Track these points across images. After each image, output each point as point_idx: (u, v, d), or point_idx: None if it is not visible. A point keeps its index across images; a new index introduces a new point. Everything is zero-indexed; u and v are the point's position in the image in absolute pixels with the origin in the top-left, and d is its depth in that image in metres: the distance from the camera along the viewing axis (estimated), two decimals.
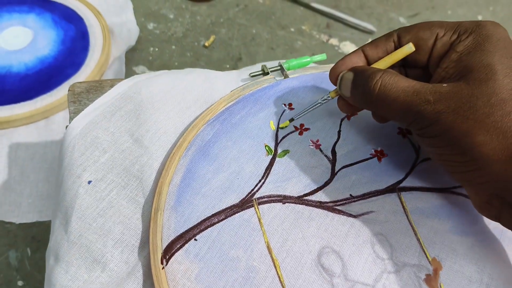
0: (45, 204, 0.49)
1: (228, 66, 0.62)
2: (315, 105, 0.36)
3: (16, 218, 0.48)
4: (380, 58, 0.33)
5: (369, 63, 0.34)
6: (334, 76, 0.34)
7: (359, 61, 0.33)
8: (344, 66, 0.33)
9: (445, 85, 0.28)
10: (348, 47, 0.66)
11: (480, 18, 0.74)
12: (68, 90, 0.41)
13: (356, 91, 0.32)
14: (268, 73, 0.42)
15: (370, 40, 0.67)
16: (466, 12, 0.76)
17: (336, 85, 0.34)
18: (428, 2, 0.76)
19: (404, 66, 0.34)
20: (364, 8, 0.72)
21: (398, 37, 0.32)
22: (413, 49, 0.32)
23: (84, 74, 0.57)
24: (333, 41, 0.67)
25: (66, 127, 0.37)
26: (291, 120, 0.37)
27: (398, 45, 0.33)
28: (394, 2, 0.74)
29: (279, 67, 0.42)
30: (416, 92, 0.28)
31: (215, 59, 0.63)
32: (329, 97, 0.35)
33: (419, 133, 0.30)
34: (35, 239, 0.47)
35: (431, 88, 0.28)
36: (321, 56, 0.43)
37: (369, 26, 0.69)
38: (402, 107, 0.29)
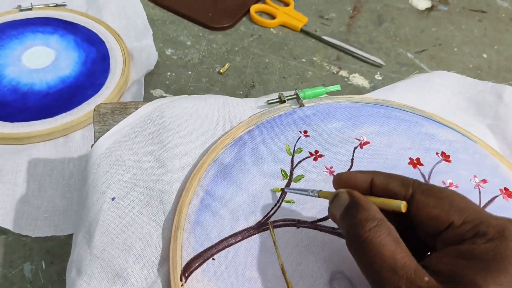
0: (61, 219, 0.50)
1: (241, 92, 0.64)
2: (305, 191, 0.34)
3: (32, 232, 0.49)
4: (383, 191, 0.29)
5: (371, 188, 0.30)
6: (336, 182, 0.31)
7: (363, 183, 0.30)
8: (348, 182, 0.30)
9: (426, 278, 0.24)
10: (357, 79, 0.69)
11: (485, 56, 0.77)
12: (94, 110, 0.43)
13: (344, 222, 0.29)
14: (285, 101, 0.44)
15: (378, 73, 0.70)
16: (472, 50, 0.79)
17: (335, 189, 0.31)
18: (435, 40, 0.79)
19: None
20: (373, 42, 0.75)
21: (413, 191, 0.28)
22: (403, 211, 0.28)
23: (103, 95, 0.60)
24: (343, 73, 0.70)
25: (92, 145, 0.39)
26: (283, 189, 0.37)
27: (407, 198, 0.28)
28: (402, 38, 0.77)
29: (295, 96, 0.44)
30: (399, 267, 0.24)
31: (229, 85, 0.66)
32: (316, 194, 0.33)
33: None
34: (49, 252, 0.48)
35: (414, 273, 0.24)
36: (336, 87, 0.45)
37: (378, 60, 0.71)
38: (374, 272, 0.25)
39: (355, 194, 0.29)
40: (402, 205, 0.27)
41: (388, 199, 0.29)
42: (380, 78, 0.70)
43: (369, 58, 0.72)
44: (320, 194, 0.33)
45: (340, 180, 0.31)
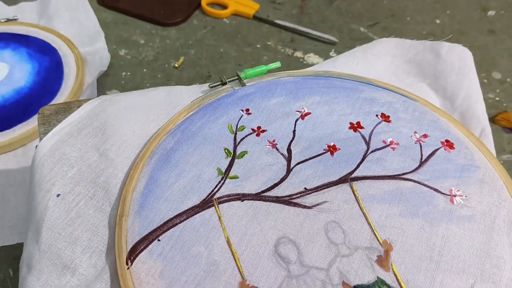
0: (25, 226, 0.50)
1: (198, 83, 0.65)
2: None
3: None
4: None
5: None
6: None
7: None
8: None
9: None
10: (312, 58, 0.69)
11: (438, 22, 0.78)
12: (38, 113, 0.43)
13: None
14: (226, 83, 0.44)
15: (333, 51, 0.71)
16: (425, 18, 0.80)
17: None
18: (388, 11, 0.80)
19: None
20: (326, 21, 0.76)
21: None
22: None
23: (58, 101, 0.60)
24: (298, 54, 0.70)
25: (36, 146, 0.40)
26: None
27: None
28: (354, 14, 0.78)
29: (236, 77, 0.45)
30: None
31: (185, 78, 0.66)
32: None
33: None
34: (16, 260, 0.48)
35: None
36: (276, 64, 0.46)
37: (331, 38, 0.72)
38: None
39: None
40: None
41: None
42: (334, 55, 0.71)
43: (322, 36, 0.72)
44: None
45: None
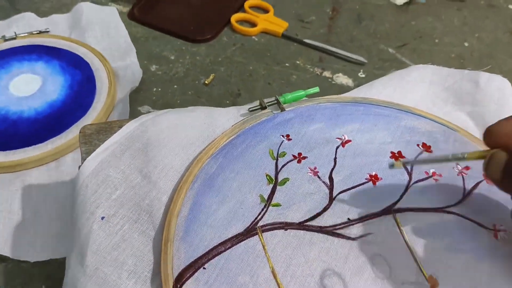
0: (58, 242, 0.51)
1: (227, 101, 0.65)
2: (444, 160, 0.34)
3: (31, 257, 0.50)
4: None
5: None
6: (489, 139, 0.30)
7: None
8: (504, 131, 0.28)
9: None
10: (341, 79, 0.70)
11: (466, 44, 0.78)
12: (79, 132, 0.44)
13: (508, 181, 0.28)
14: (265, 107, 0.45)
15: (361, 71, 0.71)
16: (453, 40, 0.79)
17: (489, 147, 0.30)
18: (416, 33, 0.80)
19: None
20: (354, 41, 0.76)
21: None
22: None
23: (91, 116, 0.60)
24: (327, 74, 0.70)
25: (79, 167, 0.40)
26: (406, 164, 0.38)
27: None
28: (382, 34, 0.78)
29: (275, 101, 0.45)
30: None
31: (215, 95, 0.66)
32: (464, 156, 0.32)
33: None
34: (49, 277, 0.48)
35: None
36: (314, 90, 0.46)
37: (360, 58, 0.72)
38: None
39: None
40: None
41: None
42: (363, 75, 0.71)
43: (351, 57, 0.73)
44: (469, 156, 0.31)
45: (491, 134, 0.29)
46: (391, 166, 0.36)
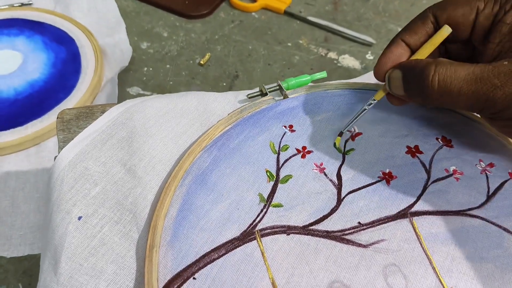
0: (36, 236, 0.47)
1: (224, 84, 0.60)
2: (361, 112, 0.36)
3: (7, 252, 0.46)
4: (422, 44, 0.32)
5: (412, 51, 0.33)
6: (380, 74, 0.33)
7: (403, 52, 0.33)
8: (390, 63, 0.33)
9: (505, 62, 0.27)
10: (348, 61, 0.65)
11: None
12: (57, 118, 0.39)
13: (411, 89, 0.31)
14: (266, 94, 0.40)
15: (369, 53, 0.66)
16: None
17: (383, 83, 0.34)
18: None
19: (442, 43, 0.33)
20: (362, 20, 0.71)
21: (434, 17, 0.32)
22: (450, 30, 0.31)
23: (76, 97, 0.56)
24: (332, 55, 0.65)
25: (55, 158, 0.35)
26: (340, 134, 0.37)
27: (437, 26, 0.32)
28: (391, 13, 0.73)
29: (277, 87, 0.40)
30: (478, 78, 0.28)
31: (211, 77, 0.61)
32: (374, 100, 0.35)
33: (491, 117, 0.30)
34: (26, 273, 0.44)
35: (492, 70, 0.27)
36: (321, 74, 0.41)
37: (368, 38, 0.67)
38: (467, 98, 0.28)
39: (402, 63, 0.32)
40: (447, 28, 0.31)
41: (432, 37, 0.32)
42: (371, 57, 0.66)
43: (358, 37, 0.67)
44: (376, 97, 0.35)
45: (382, 68, 0.33)
46: (334, 145, 0.36)
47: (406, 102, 0.34)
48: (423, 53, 0.32)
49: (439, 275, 0.30)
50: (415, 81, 0.30)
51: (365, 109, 0.35)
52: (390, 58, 0.33)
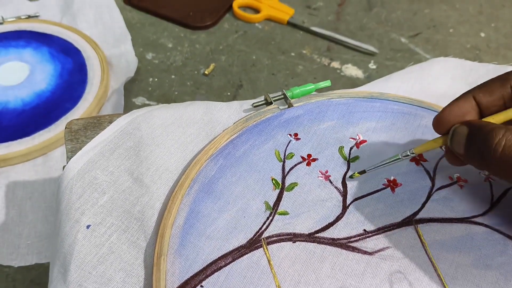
0: (44, 245, 0.47)
1: (229, 93, 0.61)
2: (394, 160, 0.34)
3: (14, 261, 0.46)
4: (495, 107, 0.30)
5: (481, 112, 0.31)
6: (441, 126, 0.31)
7: (471, 110, 0.31)
8: (453, 116, 0.31)
9: None
10: (351, 70, 0.65)
11: (482, 35, 0.73)
12: (65, 128, 0.39)
13: (472, 149, 0.29)
14: (271, 103, 0.40)
15: (372, 62, 0.66)
16: (468, 30, 0.75)
17: (440, 134, 0.32)
18: (429, 22, 0.75)
19: None
20: (365, 30, 0.72)
21: None
22: None
23: (82, 107, 0.56)
24: (335, 64, 0.66)
25: (63, 167, 0.36)
26: (362, 172, 0.35)
27: None
28: (394, 22, 0.74)
29: (282, 96, 0.41)
30: None
31: (216, 87, 0.62)
32: (413, 153, 0.33)
33: None
34: (34, 282, 0.45)
35: None
36: (326, 83, 0.42)
37: (371, 48, 0.68)
38: None
39: (471, 121, 0.30)
40: None
41: (505, 110, 0.30)
42: (374, 67, 0.66)
43: (361, 46, 0.68)
44: (417, 151, 0.33)
45: (444, 120, 0.31)
46: (351, 177, 0.35)
47: (465, 164, 0.32)
48: (498, 119, 0.30)
49: (444, 283, 0.30)
50: (479, 141, 0.28)
51: (398, 158, 0.34)
52: (455, 112, 0.31)
